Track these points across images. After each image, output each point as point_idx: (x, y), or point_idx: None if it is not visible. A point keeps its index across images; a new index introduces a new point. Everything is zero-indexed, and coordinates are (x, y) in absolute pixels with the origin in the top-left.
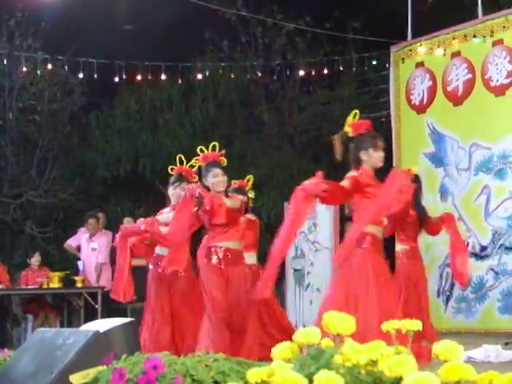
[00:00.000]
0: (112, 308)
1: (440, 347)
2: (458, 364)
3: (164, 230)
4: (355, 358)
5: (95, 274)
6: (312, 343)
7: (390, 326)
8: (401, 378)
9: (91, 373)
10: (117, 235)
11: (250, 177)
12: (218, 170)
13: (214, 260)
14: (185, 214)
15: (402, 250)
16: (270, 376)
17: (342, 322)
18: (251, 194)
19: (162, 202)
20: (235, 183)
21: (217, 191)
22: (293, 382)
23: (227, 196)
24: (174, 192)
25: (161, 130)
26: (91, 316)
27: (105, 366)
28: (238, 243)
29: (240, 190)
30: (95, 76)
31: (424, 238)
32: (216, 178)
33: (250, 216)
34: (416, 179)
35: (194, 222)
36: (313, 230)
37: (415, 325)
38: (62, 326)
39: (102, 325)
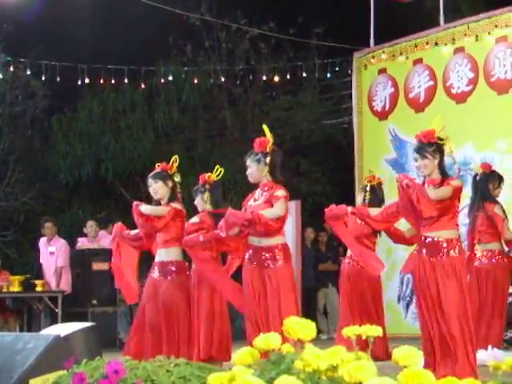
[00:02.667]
0: (72, 312)
1: (399, 353)
2: (417, 370)
3: None
4: (316, 364)
5: (55, 278)
6: (273, 348)
7: (350, 331)
8: None
9: (51, 377)
10: (79, 239)
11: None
12: (415, 155)
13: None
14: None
15: None
16: (231, 381)
17: (303, 327)
18: (177, 178)
19: (124, 205)
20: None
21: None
22: None
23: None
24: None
25: (123, 133)
26: (51, 320)
27: (65, 371)
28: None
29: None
30: (58, 79)
31: (385, 243)
32: (415, 163)
33: (177, 205)
34: (379, 186)
35: None
36: None
37: (375, 330)
38: (21, 330)
39: (63, 329)
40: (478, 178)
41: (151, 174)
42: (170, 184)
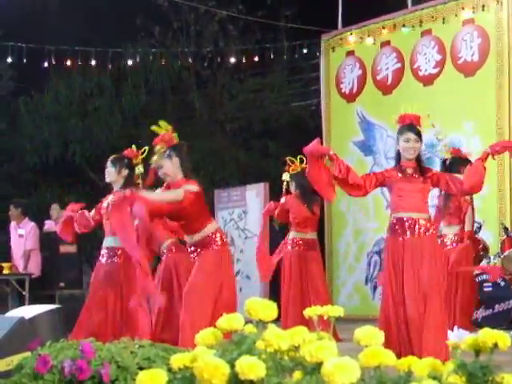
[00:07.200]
0: (40, 295)
1: (361, 332)
2: (378, 349)
3: None
4: (277, 344)
5: (23, 261)
6: (235, 329)
7: (311, 311)
8: (321, 363)
9: (15, 359)
10: (46, 222)
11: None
12: (411, 135)
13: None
14: None
15: None
16: (193, 362)
17: (264, 308)
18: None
19: (92, 187)
20: None
21: (407, 158)
22: (215, 367)
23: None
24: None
25: (91, 116)
26: (19, 303)
27: (29, 353)
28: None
29: None
30: (24, 61)
31: (354, 225)
32: (407, 144)
33: None
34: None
35: None
36: (243, 218)
37: (337, 311)
38: None
39: (28, 311)
40: (447, 162)
41: (111, 157)
42: (125, 172)
